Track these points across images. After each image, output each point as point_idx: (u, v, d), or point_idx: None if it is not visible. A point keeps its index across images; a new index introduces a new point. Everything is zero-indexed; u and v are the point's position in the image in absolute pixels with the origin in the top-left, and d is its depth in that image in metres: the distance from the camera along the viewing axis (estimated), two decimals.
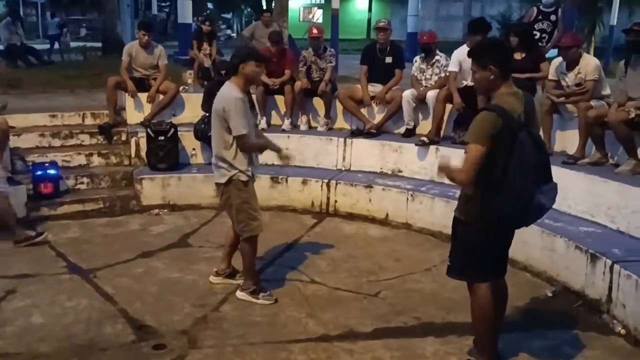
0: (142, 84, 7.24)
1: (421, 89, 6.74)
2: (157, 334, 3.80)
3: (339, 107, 7.28)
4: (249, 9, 33.19)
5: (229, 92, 4.00)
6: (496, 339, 3.41)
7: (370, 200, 6.22)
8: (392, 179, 6.46)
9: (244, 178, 4.09)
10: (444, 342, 3.77)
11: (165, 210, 6.29)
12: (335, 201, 6.37)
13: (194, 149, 6.94)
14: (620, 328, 3.96)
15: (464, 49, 6.04)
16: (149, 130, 6.65)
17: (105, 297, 4.29)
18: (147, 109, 7.24)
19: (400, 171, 6.61)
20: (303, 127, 7.25)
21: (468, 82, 6.15)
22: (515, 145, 2.92)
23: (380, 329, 3.94)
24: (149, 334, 3.81)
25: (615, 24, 18.48)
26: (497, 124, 2.94)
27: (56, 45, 17.60)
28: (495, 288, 3.32)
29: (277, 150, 4.33)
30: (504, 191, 2.97)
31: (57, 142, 6.79)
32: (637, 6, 20.54)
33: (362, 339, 3.81)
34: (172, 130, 6.68)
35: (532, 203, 2.99)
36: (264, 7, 22.95)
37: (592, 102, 5.47)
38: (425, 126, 6.73)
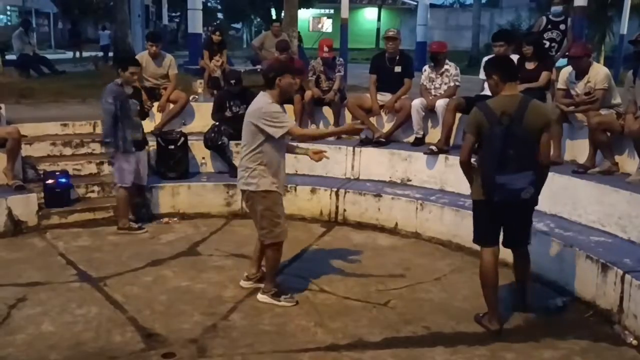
0: (152, 94, 7.29)
1: (430, 98, 6.74)
2: (166, 343, 3.80)
3: (348, 116, 7.29)
4: (258, 19, 33.37)
5: (265, 102, 4.14)
6: (496, 299, 4.01)
7: (379, 209, 6.22)
8: (401, 187, 6.45)
9: (267, 187, 4.16)
10: (453, 352, 3.75)
11: (175, 219, 6.31)
12: (344, 210, 6.37)
13: (203, 158, 6.98)
14: (632, 339, 3.92)
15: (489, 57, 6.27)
16: (159, 139, 6.70)
17: (115, 305, 4.31)
18: (158, 118, 7.30)
19: (409, 180, 6.60)
20: None
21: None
22: (489, 135, 3.71)
23: (389, 339, 3.92)
24: (158, 342, 3.81)
25: (625, 33, 18.40)
26: (478, 116, 3.77)
27: (110, 54, 17.92)
28: (514, 255, 4.25)
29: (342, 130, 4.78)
30: (481, 171, 3.83)
31: (68, 151, 6.84)
32: None
33: (371, 348, 3.80)
34: (182, 139, 6.72)
35: (495, 183, 3.70)
36: (274, 17, 23.10)
37: (602, 111, 5.46)
38: (434, 135, 6.73)
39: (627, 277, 4.07)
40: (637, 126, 5.01)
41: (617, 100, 5.60)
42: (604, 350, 3.83)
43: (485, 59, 6.63)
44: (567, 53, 5.68)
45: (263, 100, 4.16)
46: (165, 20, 23.89)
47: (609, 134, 5.39)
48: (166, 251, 5.40)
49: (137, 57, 7.45)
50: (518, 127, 3.66)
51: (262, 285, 4.47)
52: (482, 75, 6.52)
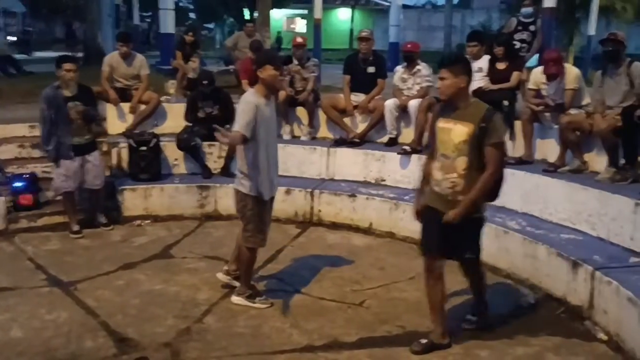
0: (124, 95, 7.20)
1: (403, 98, 6.78)
2: (139, 347, 3.75)
3: (322, 116, 7.30)
4: (231, 19, 33.18)
5: (245, 95, 4.04)
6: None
7: (354, 209, 6.23)
8: (376, 187, 6.47)
9: (253, 193, 4.07)
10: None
11: (148, 221, 6.23)
12: (319, 211, 6.37)
13: (176, 160, 6.90)
14: (602, 334, 4.00)
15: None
16: (130, 140, 6.61)
17: (86, 310, 4.23)
18: (129, 119, 7.20)
19: (383, 180, 6.63)
20: (286, 136, 7.25)
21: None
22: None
23: (365, 339, 3.93)
24: (131, 347, 3.75)
25: (593, 34, 18.80)
26: None
27: None
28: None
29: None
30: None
31: (36, 153, 6.69)
32: (614, 16, 20.93)
33: (347, 348, 3.80)
34: (154, 140, 6.64)
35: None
36: (247, 18, 22.99)
37: (571, 111, 5.55)
38: (407, 135, 6.77)
39: (597, 273, 4.15)
40: (605, 125, 5.11)
41: (586, 100, 5.70)
42: (576, 346, 3.89)
43: None
44: (544, 57, 5.72)
45: (244, 96, 4.06)
46: (136, 20, 23.57)
47: (578, 133, 5.49)
48: (138, 254, 5.33)
49: (107, 57, 7.38)
50: None
51: (237, 284, 4.44)
52: None
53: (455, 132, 3.49)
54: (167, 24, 12.90)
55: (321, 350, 3.76)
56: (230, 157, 6.76)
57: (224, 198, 6.45)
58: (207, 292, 4.56)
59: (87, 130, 5.73)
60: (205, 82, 6.81)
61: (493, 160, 3.44)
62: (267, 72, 3.95)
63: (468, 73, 3.52)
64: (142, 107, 7.22)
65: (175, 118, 7.20)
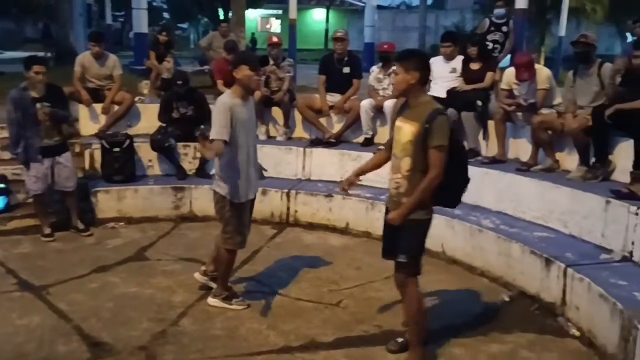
0: (96, 95, 7.09)
1: (379, 98, 6.81)
2: (113, 351, 3.70)
3: (297, 116, 7.29)
4: (205, 19, 32.93)
5: (221, 97, 3.99)
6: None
7: (330, 209, 6.23)
8: (352, 187, 6.47)
9: (229, 196, 4.02)
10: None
11: (122, 223, 6.15)
12: (296, 211, 6.36)
13: (150, 161, 6.82)
14: (574, 330, 4.07)
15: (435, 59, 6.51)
16: (103, 141, 6.51)
17: (59, 314, 4.15)
18: (102, 120, 7.09)
19: (359, 180, 6.62)
20: (262, 136, 7.21)
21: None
22: (454, 144, 3.37)
23: (341, 339, 3.93)
24: (105, 351, 3.70)
25: (563, 35, 19.15)
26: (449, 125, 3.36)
27: None
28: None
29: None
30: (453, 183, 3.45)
31: (6, 155, 6.54)
32: (584, 17, 21.33)
33: (324, 349, 3.80)
34: (128, 141, 6.55)
35: (459, 196, 3.57)
36: (221, 18, 22.85)
37: (543, 111, 5.64)
38: (383, 135, 6.79)
39: (569, 270, 4.22)
40: (576, 125, 5.20)
41: (557, 100, 5.80)
42: (549, 342, 3.96)
43: (432, 59, 6.80)
44: (517, 62, 5.79)
45: (219, 97, 4.03)
46: (108, 20, 23.24)
47: (550, 132, 5.58)
48: (112, 257, 5.25)
49: (79, 57, 7.26)
50: None
51: (214, 285, 4.41)
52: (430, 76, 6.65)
53: (403, 131, 3.38)
54: (141, 23, 12.76)
55: (298, 351, 3.76)
56: (205, 158, 6.71)
57: (200, 199, 6.41)
58: (183, 294, 4.52)
59: (57, 131, 5.62)
60: (179, 82, 6.75)
61: (434, 163, 3.27)
62: (243, 72, 3.91)
63: (420, 69, 3.32)
64: (115, 107, 7.12)
65: (149, 119, 7.12)
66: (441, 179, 3.30)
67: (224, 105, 3.88)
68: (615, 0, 21.41)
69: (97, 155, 6.57)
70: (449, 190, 3.42)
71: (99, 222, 6.11)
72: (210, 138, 3.87)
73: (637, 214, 4.31)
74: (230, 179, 4.00)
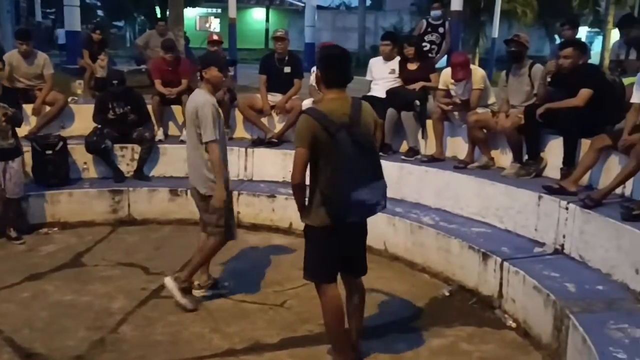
0: (26, 95, 6.77)
1: (319, 98, 6.82)
2: None
3: (238, 116, 7.22)
4: (142, 17, 32.11)
5: (202, 96, 4.09)
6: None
7: (273, 210, 6.21)
8: None
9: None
10: None
11: (56, 229, 5.92)
12: (239, 212, 6.27)
13: (85, 163, 6.59)
14: (511, 322, 4.21)
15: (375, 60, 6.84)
16: (34, 144, 6.24)
17: None
18: (32, 121, 6.78)
19: None
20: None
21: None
22: (333, 145, 3.06)
23: (286, 339, 3.92)
24: None
25: (496, 36, 19.83)
26: (312, 125, 3.09)
27: None
28: (350, 290, 3.49)
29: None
30: (328, 189, 3.13)
31: None
32: (516, 20, 22.18)
33: (269, 350, 3.78)
34: (61, 143, 6.30)
35: (350, 200, 3.08)
36: (158, 16, 22.31)
37: (478, 110, 5.82)
38: None
39: (505, 264, 4.37)
40: (509, 124, 5.39)
41: (491, 99, 5.99)
42: (487, 334, 4.08)
43: (372, 60, 6.90)
44: (453, 62, 5.94)
45: (200, 96, 4.09)
46: (38, 17, 22.31)
47: (485, 131, 5.76)
48: (46, 264, 5.05)
49: (6, 56, 6.89)
50: (359, 131, 3.13)
51: (215, 291, 4.47)
52: (368, 76, 6.75)
53: None
54: (73, 21, 12.29)
55: (242, 354, 3.72)
56: (143, 160, 6.55)
57: (138, 202, 6.25)
58: (122, 300, 4.39)
59: (12, 133, 5.38)
60: (115, 81, 6.55)
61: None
62: (212, 72, 4.11)
63: (320, 67, 3.30)
64: (47, 108, 6.85)
65: (83, 120, 6.88)
66: (296, 181, 3.20)
67: (211, 105, 4.05)
68: (544, 4, 22.39)
69: (28, 158, 6.26)
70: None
71: (31, 228, 5.84)
72: (205, 141, 4.02)
73: (567, 208, 4.51)
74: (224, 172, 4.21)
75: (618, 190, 4.46)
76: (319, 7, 25.75)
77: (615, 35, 12.15)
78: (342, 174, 3.07)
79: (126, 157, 6.64)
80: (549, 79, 5.43)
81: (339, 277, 3.44)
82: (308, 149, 3.11)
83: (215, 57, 4.57)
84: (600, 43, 23.74)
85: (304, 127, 3.13)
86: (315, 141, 3.09)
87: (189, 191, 6.20)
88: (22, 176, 5.60)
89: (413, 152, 6.25)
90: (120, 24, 38.88)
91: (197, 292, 4.48)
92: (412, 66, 6.51)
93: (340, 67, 3.27)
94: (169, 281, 4.26)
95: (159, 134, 6.98)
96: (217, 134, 4.02)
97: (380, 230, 5.31)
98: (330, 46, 3.92)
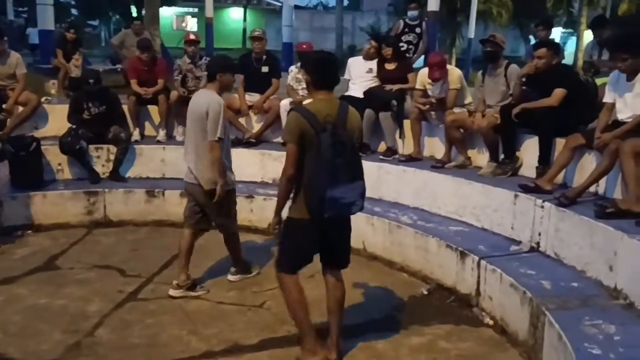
0: None
1: (298, 97, 6.82)
2: None
3: None
4: (117, 16, 31.72)
5: (213, 95, 4.22)
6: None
7: (252, 210, 6.18)
8: (273, 188, 6.43)
9: (232, 186, 4.47)
10: None
11: (29, 231, 5.82)
12: None
13: (60, 164, 6.49)
14: (488, 319, 4.26)
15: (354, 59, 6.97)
16: (7, 145, 6.11)
17: None
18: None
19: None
20: (179, 137, 7.04)
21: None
22: (317, 142, 3.21)
23: (265, 340, 3.91)
24: None
25: (472, 36, 20.03)
26: (300, 122, 3.25)
27: None
28: (329, 281, 3.64)
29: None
30: (308, 184, 3.27)
31: None
32: (492, 20, 22.43)
33: (248, 351, 3.76)
34: (34, 144, 6.19)
35: (325, 196, 3.19)
36: (134, 15, 22.06)
37: (455, 110, 5.86)
38: None
39: (482, 262, 4.41)
40: (485, 123, 5.44)
41: (468, 99, 6.05)
42: (465, 332, 4.12)
43: (351, 59, 6.93)
44: (430, 62, 5.97)
45: (211, 96, 4.20)
46: (10, 15, 21.89)
47: (462, 130, 5.81)
48: (20, 267, 4.96)
49: None
50: (343, 133, 3.25)
51: (192, 293, 4.48)
52: (346, 75, 6.76)
53: None
54: (46, 19, 12.08)
55: (221, 356, 3.70)
56: (119, 161, 6.47)
57: (114, 203, 6.17)
58: (98, 303, 4.33)
59: None
60: (90, 81, 6.47)
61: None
62: (228, 77, 4.29)
63: (309, 70, 3.43)
64: (20, 108, 6.73)
65: (57, 120, 6.77)
66: (287, 173, 3.33)
67: (221, 104, 4.19)
68: (519, 5, 22.68)
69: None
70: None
71: (4, 231, 5.73)
72: (211, 139, 4.18)
73: (542, 206, 4.57)
74: (228, 171, 4.40)
75: (592, 189, 4.54)
76: (297, 7, 25.69)
77: (588, 36, 12.35)
78: (321, 170, 3.19)
79: (102, 158, 6.55)
80: (524, 79, 5.49)
81: (320, 275, 3.56)
82: (296, 144, 3.27)
83: (231, 62, 4.66)
84: (574, 43, 24.16)
85: (293, 124, 3.29)
86: (302, 137, 3.25)
87: (165, 192, 6.23)
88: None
89: (391, 151, 6.28)
90: (95, 23, 38.37)
91: (174, 292, 4.44)
92: (389, 66, 6.54)
93: (328, 70, 3.42)
94: (174, 292, 4.42)
95: (135, 135, 6.91)
96: (222, 133, 4.18)
97: (359, 229, 5.30)
98: (319, 50, 4.02)
